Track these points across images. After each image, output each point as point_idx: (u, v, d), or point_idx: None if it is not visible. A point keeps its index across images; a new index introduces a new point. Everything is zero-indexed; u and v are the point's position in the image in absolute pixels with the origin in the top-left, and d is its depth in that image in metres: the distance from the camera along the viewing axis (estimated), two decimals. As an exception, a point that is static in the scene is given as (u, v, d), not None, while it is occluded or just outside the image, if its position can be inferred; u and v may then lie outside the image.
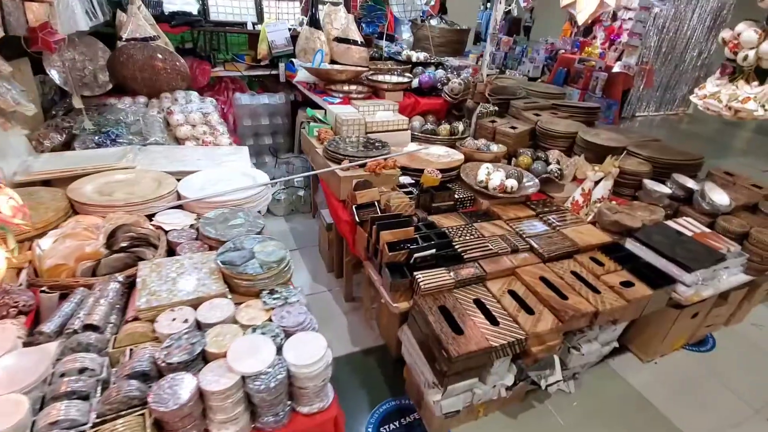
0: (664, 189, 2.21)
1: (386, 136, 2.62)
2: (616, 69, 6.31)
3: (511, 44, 8.45)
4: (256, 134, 3.63)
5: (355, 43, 3.38)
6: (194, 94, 2.64)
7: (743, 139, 6.83)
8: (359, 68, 3.14)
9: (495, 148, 2.59)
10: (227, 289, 1.24)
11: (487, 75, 4.02)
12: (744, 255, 1.96)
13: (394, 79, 3.07)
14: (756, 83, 1.79)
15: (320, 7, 3.46)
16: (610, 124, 6.79)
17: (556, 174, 2.41)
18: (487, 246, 1.84)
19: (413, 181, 2.25)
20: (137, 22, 2.60)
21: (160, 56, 2.57)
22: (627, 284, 1.72)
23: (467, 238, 1.89)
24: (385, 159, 2.15)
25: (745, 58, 1.76)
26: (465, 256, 1.77)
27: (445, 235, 1.86)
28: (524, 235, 1.94)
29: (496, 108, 3.01)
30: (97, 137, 2.13)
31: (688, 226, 2.08)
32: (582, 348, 1.75)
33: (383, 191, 2.05)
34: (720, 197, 2.16)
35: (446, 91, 3.02)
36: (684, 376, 2.10)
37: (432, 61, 3.77)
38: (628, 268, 1.80)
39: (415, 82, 3.15)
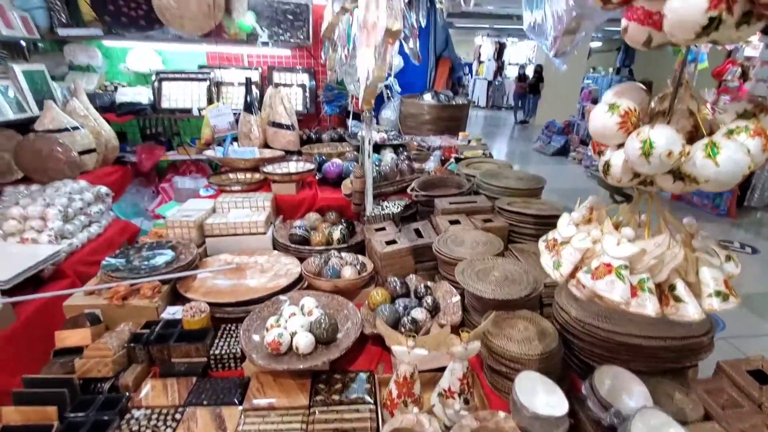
0: (555, 409, 1.11)
1: (232, 242, 2.10)
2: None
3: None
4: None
5: (287, 127, 3.04)
6: (83, 183, 2.57)
7: None
8: (271, 155, 2.75)
9: (348, 272, 1.80)
10: None
11: (463, 157, 3.21)
12: None
13: (283, 168, 2.57)
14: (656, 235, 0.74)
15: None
16: (722, 216, 4.88)
17: (408, 326, 1.52)
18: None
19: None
20: (52, 114, 2.72)
21: (59, 148, 2.61)
22: None
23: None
24: (135, 284, 1.61)
25: (607, 168, 0.76)
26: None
27: None
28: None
29: (403, 212, 2.21)
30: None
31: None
32: None
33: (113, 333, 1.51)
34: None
35: (345, 183, 2.37)
36: None
37: (392, 143, 3.16)
38: None
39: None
